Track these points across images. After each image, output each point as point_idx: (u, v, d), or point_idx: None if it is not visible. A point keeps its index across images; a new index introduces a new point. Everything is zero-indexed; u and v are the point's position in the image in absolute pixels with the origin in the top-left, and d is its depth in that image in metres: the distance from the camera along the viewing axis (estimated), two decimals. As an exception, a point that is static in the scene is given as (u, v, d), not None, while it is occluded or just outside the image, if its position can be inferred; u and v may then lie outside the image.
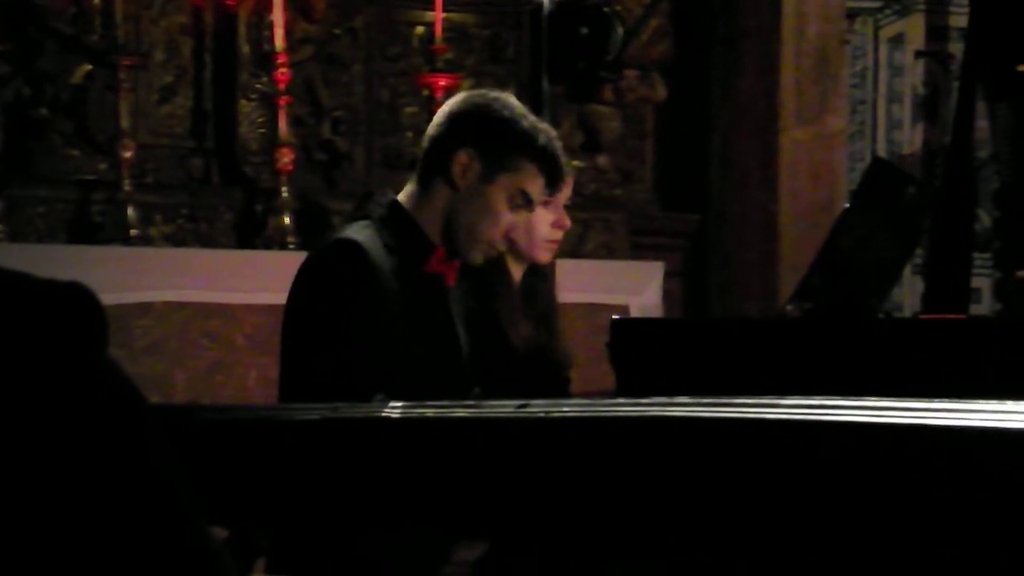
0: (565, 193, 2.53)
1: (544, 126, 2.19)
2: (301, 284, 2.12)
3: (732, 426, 1.42)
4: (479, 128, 2.14)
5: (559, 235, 2.53)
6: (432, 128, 2.19)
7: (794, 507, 1.42)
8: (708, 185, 4.64)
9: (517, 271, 2.53)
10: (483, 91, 2.22)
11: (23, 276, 0.92)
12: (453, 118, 2.16)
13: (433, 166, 2.16)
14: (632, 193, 4.60)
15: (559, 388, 2.52)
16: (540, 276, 2.56)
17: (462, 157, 2.13)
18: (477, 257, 2.19)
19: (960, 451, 1.32)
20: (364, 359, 2.03)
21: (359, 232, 2.11)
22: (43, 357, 0.89)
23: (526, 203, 2.17)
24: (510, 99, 2.19)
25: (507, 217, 2.16)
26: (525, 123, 2.16)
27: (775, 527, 1.43)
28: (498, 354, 2.41)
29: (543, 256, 2.52)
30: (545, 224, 2.49)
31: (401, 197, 2.18)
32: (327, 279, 2.08)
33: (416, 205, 2.16)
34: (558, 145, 2.19)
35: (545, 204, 2.48)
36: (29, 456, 0.89)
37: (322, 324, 2.05)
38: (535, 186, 2.16)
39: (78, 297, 0.92)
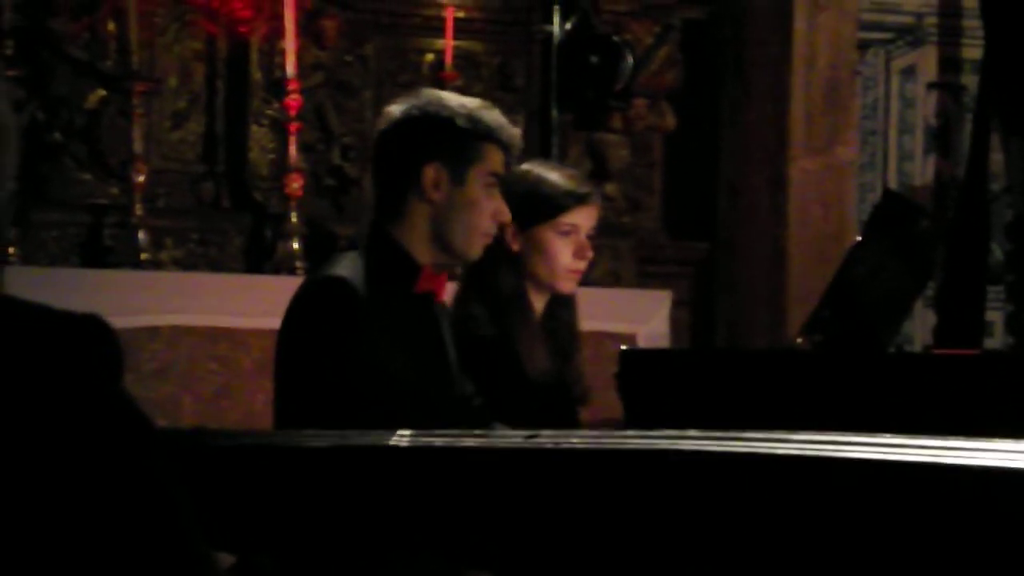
0: (589, 223, 2.52)
1: (479, 102, 2.19)
2: (290, 325, 2.11)
3: (743, 461, 1.42)
4: (433, 138, 2.14)
5: (582, 265, 2.51)
6: (383, 149, 2.18)
7: (804, 544, 1.41)
8: (716, 214, 4.64)
9: (539, 301, 2.51)
10: (411, 101, 2.18)
11: (43, 308, 0.92)
12: (401, 137, 2.16)
13: (402, 186, 2.16)
14: (640, 221, 4.60)
15: (570, 418, 2.51)
16: (563, 306, 2.55)
17: (429, 172, 2.14)
18: (478, 252, 2.20)
19: (975, 490, 1.31)
20: (356, 396, 2.03)
21: (346, 266, 2.11)
22: (60, 389, 0.90)
23: (498, 181, 2.19)
24: (439, 95, 2.19)
25: (489, 204, 2.17)
26: (464, 111, 2.15)
27: (785, 563, 1.42)
28: (513, 383, 2.40)
29: (565, 286, 2.50)
30: (567, 254, 2.48)
31: (381, 220, 2.18)
32: (314, 321, 2.07)
33: (397, 228, 2.16)
34: (496, 112, 2.18)
35: (567, 234, 2.48)
36: (41, 484, 0.89)
37: (314, 365, 2.05)
38: (498, 162, 2.18)
39: (96, 330, 0.92)
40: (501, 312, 2.43)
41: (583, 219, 2.50)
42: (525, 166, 2.59)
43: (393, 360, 2.08)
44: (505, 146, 2.18)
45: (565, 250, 2.47)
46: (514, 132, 2.20)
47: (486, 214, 2.17)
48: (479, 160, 2.15)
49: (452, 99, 2.18)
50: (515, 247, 2.47)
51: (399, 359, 2.10)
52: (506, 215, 2.20)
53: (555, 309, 2.54)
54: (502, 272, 2.44)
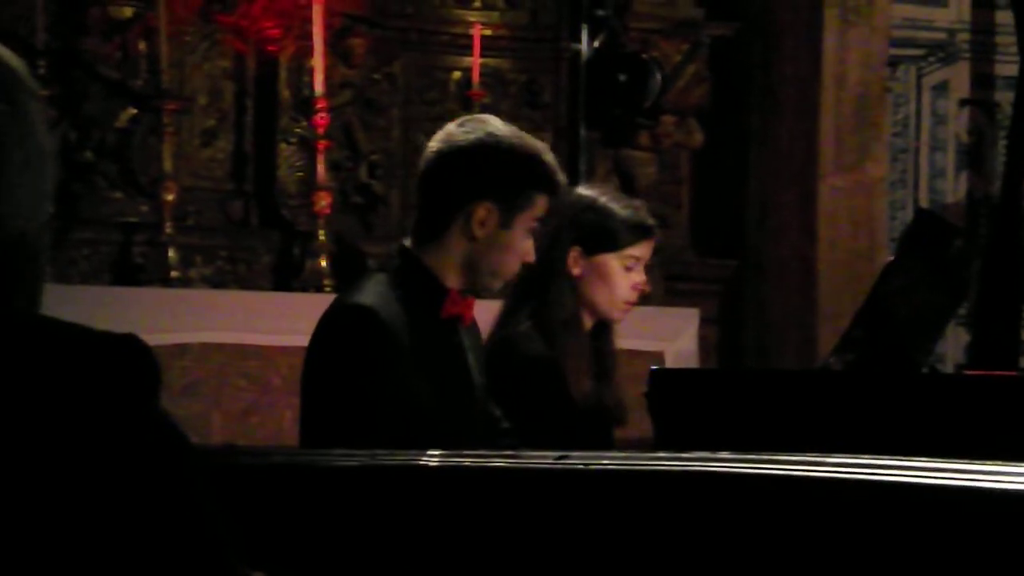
0: (647, 256, 2.53)
1: (539, 145, 2.17)
2: (317, 350, 2.11)
3: (776, 483, 1.41)
4: (494, 178, 2.12)
5: (635, 297, 2.52)
6: (438, 173, 2.14)
7: (836, 567, 1.39)
8: (745, 231, 4.62)
9: (588, 325, 2.53)
10: (472, 128, 2.14)
11: (81, 328, 0.93)
12: (463, 166, 2.13)
13: (449, 216, 2.13)
14: (667, 239, 4.58)
15: (606, 440, 2.51)
16: (605, 331, 2.55)
17: (480, 211, 2.12)
18: (497, 289, 2.21)
19: (1010, 514, 1.30)
20: (381, 422, 2.03)
21: (372, 291, 2.09)
22: (98, 408, 0.91)
23: (539, 225, 2.19)
24: (501, 128, 2.15)
25: (525, 246, 2.17)
26: (526, 156, 2.14)
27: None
28: (556, 403, 2.40)
29: (619, 316, 2.52)
30: (626, 285, 2.49)
31: (412, 242, 2.16)
32: (341, 350, 2.07)
33: (430, 251, 2.14)
34: (551, 157, 2.17)
35: (630, 268, 2.49)
36: (80, 502, 0.90)
37: (340, 391, 2.05)
38: (544, 208, 2.18)
39: (133, 351, 0.93)
40: (553, 333, 2.44)
41: (645, 252, 2.53)
42: (589, 191, 2.59)
43: (417, 385, 2.08)
44: (552, 193, 2.17)
45: (625, 281, 2.49)
46: (563, 179, 2.20)
47: (519, 256, 2.17)
48: (530, 207, 2.14)
49: (517, 140, 2.15)
50: (576, 271, 2.48)
51: (423, 383, 2.09)
52: (532, 256, 2.19)
53: (598, 334, 2.54)
54: (560, 294, 2.45)
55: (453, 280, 2.16)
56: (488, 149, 2.13)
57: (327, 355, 2.09)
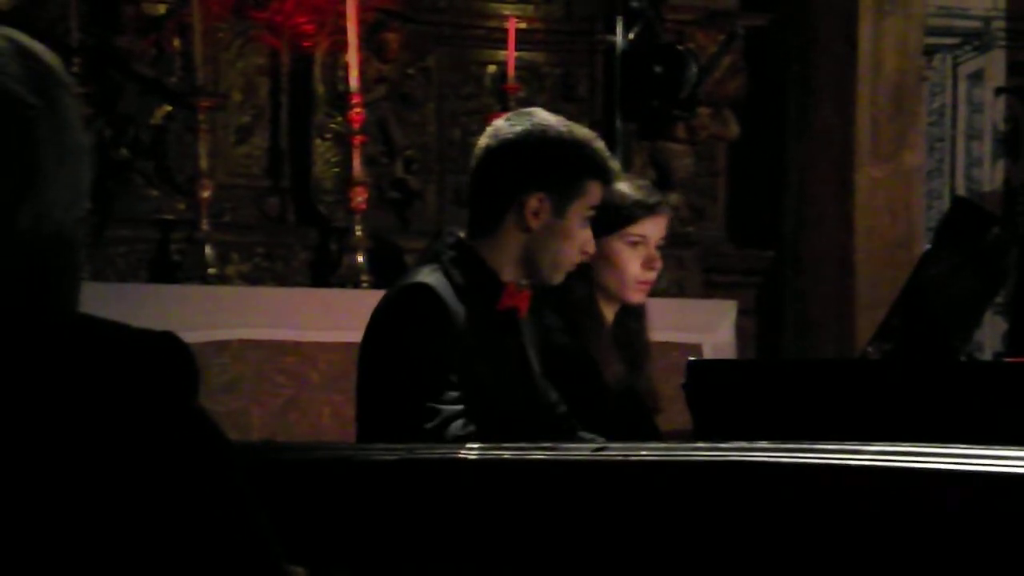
0: (658, 234, 2.52)
1: (589, 134, 2.18)
2: (378, 330, 2.12)
3: (815, 472, 1.40)
4: (544, 168, 2.13)
5: (651, 275, 2.50)
6: (488, 167, 2.16)
7: (878, 554, 1.39)
8: (782, 222, 4.60)
9: (609, 311, 2.52)
10: (520, 121, 2.16)
11: (120, 327, 0.94)
12: (508, 161, 2.14)
13: (502, 209, 2.15)
14: (704, 230, 4.58)
15: (646, 428, 2.50)
16: (632, 316, 2.54)
17: (532, 202, 2.13)
18: (559, 280, 2.21)
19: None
20: (447, 400, 2.04)
21: (429, 276, 2.11)
22: (138, 407, 0.91)
23: (594, 212, 2.19)
24: (547, 120, 2.16)
25: (583, 236, 2.18)
26: (576, 144, 2.14)
27: (860, 573, 1.40)
28: (592, 391, 2.40)
29: (635, 296, 2.50)
30: (636, 264, 2.48)
31: (467, 236, 2.18)
32: (404, 325, 2.08)
33: (485, 245, 2.16)
34: (601, 145, 2.18)
35: (636, 244, 2.48)
36: (122, 501, 0.91)
37: (404, 370, 2.05)
38: (598, 197, 2.18)
39: (172, 349, 0.94)
40: (573, 321, 2.43)
41: (652, 230, 2.50)
42: None
43: (479, 372, 2.09)
44: (606, 180, 2.18)
45: (634, 261, 2.47)
46: (616, 166, 2.20)
47: (577, 246, 2.17)
48: (582, 195, 2.15)
49: (564, 129, 2.16)
50: (585, 258, 2.47)
51: (484, 372, 2.10)
52: (592, 247, 2.20)
53: (625, 320, 2.54)
54: (573, 282, 2.44)
55: (509, 273, 2.17)
56: (536, 140, 2.14)
57: (394, 331, 2.09)
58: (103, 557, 0.89)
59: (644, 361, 2.54)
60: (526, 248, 2.15)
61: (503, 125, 2.17)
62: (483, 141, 2.18)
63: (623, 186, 2.50)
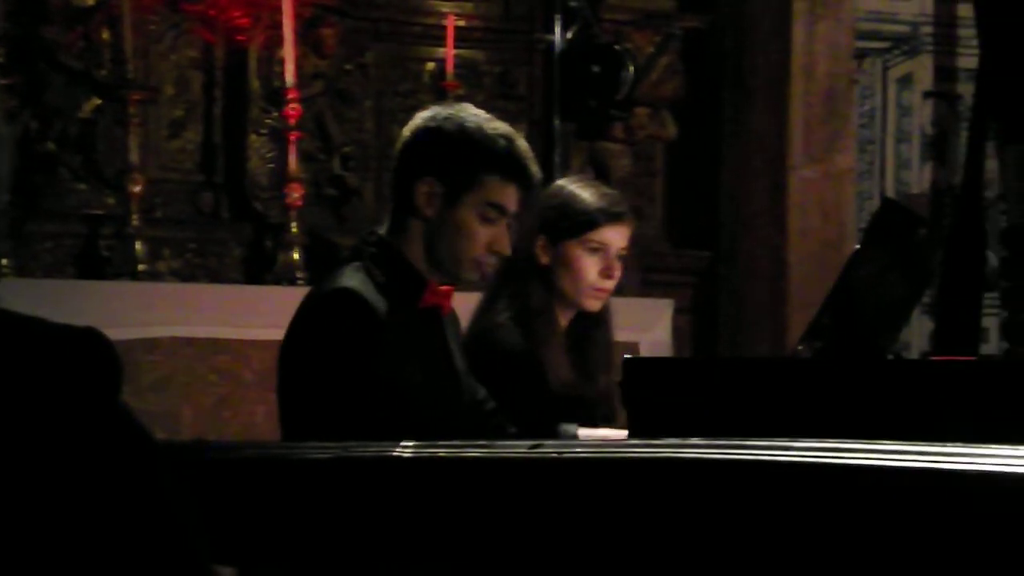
0: (619, 242, 2.50)
1: (503, 130, 2.14)
2: (300, 335, 2.10)
3: (746, 468, 1.42)
4: (433, 154, 2.12)
5: (609, 284, 2.47)
6: (397, 157, 2.18)
7: (806, 551, 1.41)
8: (718, 222, 4.64)
9: (564, 316, 2.50)
10: (436, 112, 2.15)
11: (40, 322, 0.92)
12: (407, 148, 2.15)
13: (400, 200, 2.14)
14: (642, 230, 4.59)
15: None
16: (592, 323, 2.51)
17: (422, 187, 2.12)
18: (470, 275, 2.18)
19: (973, 496, 1.31)
20: (373, 405, 2.03)
21: (353, 277, 2.09)
22: (58, 403, 0.90)
23: (500, 214, 2.14)
24: (464, 113, 2.14)
25: (482, 233, 2.13)
26: (478, 135, 2.11)
27: (786, 570, 1.42)
28: (535, 394, 2.39)
29: (590, 304, 2.48)
30: (594, 271, 2.46)
31: (386, 233, 2.17)
32: (327, 331, 2.06)
33: (402, 241, 2.15)
34: (522, 146, 2.14)
35: (596, 251, 2.46)
36: (40, 499, 0.89)
37: (328, 376, 2.03)
38: (504, 196, 2.13)
39: (94, 344, 0.92)
40: (527, 323, 2.42)
41: (614, 237, 2.48)
42: (561, 181, 2.59)
43: (403, 371, 2.08)
44: (515, 180, 2.13)
45: (592, 267, 2.45)
46: (532, 169, 2.14)
47: (478, 243, 2.13)
48: (477, 187, 2.12)
49: (474, 120, 2.13)
50: (544, 261, 2.46)
51: (409, 370, 2.09)
52: (505, 248, 2.16)
53: (587, 327, 2.52)
54: (531, 284, 2.44)
55: (426, 270, 2.16)
56: (433, 129, 2.13)
57: (311, 340, 2.07)
58: (21, 557, 0.88)
59: (600, 369, 2.51)
60: (426, 239, 2.13)
61: (417, 117, 2.17)
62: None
63: (587, 192, 2.49)
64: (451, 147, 2.12)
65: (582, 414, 2.46)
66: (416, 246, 2.14)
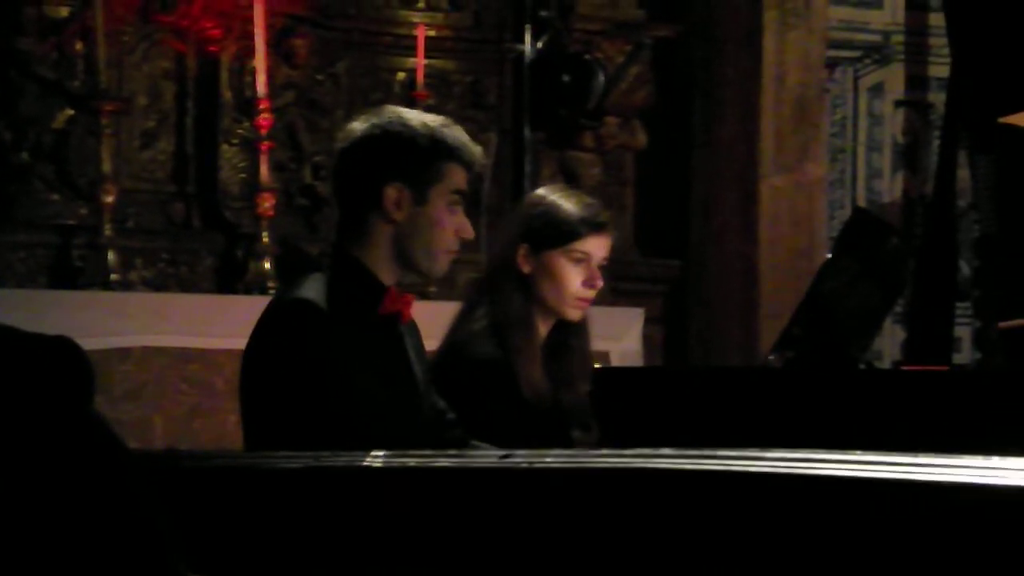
0: (601, 252, 2.51)
1: (441, 120, 2.18)
2: (258, 347, 2.10)
3: (716, 479, 1.42)
4: (395, 158, 2.13)
5: (591, 293, 2.49)
6: (344, 168, 2.17)
7: (777, 561, 1.41)
8: (688, 232, 4.66)
9: (544, 325, 2.50)
10: (370, 119, 2.17)
11: (11, 331, 0.92)
12: (365, 154, 2.15)
13: (363, 205, 2.15)
14: (613, 239, 4.61)
15: (563, 444, 2.49)
16: (572, 333, 2.52)
17: (391, 192, 2.13)
18: (442, 269, 2.20)
19: (944, 507, 1.32)
20: (326, 418, 2.02)
21: (311, 287, 2.10)
22: (32, 412, 0.89)
23: (461, 199, 2.18)
24: (397, 114, 2.17)
25: (452, 222, 2.16)
26: (426, 129, 2.15)
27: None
28: (508, 403, 2.39)
29: (572, 313, 2.49)
30: (577, 281, 2.47)
31: (343, 242, 2.17)
32: (283, 343, 2.07)
33: (359, 248, 2.15)
34: (458, 129, 2.18)
35: (579, 261, 2.48)
36: (14, 506, 0.89)
37: (283, 388, 2.04)
38: (462, 180, 2.18)
39: (66, 352, 0.92)
40: (506, 333, 2.43)
41: (596, 248, 2.50)
42: (543, 190, 2.60)
43: (361, 381, 2.08)
44: (467, 164, 2.17)
45: (575, 277, 2.47)
46: (476, 150, 2.19)
47: (449, 232, 2.16)
48: (441, 179, 2.15)
49: (413, 117, 2.17)
50: (526, 269, 2.47)
51: (366, 380, 2.09)
52: (470, 232, 2.19)
53: (566, 337, 2.52)
54: (511, 293, 2.44)
55: (388, 276, 2.16)
56: (383, 132, 2.14)
57: (269, 351, 2.08)
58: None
59: (578, 379, 2.51)
60: (396, 243, 2.14)
61: (355, 125, 2.18)
62: (338, 144, 2.19)
63: (570, 202, 2.51)
64: (408, 148, 2.13)
65: (556, 424, 2.46)
66: (380, 251, 2.14)
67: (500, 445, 2.20)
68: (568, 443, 2.50)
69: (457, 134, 2.17)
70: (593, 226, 2.50)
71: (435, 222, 2.14)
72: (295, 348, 2.05)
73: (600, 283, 2.51)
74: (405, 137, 2.13)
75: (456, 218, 2.16)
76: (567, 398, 2.49)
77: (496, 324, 2.44)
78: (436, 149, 2.14)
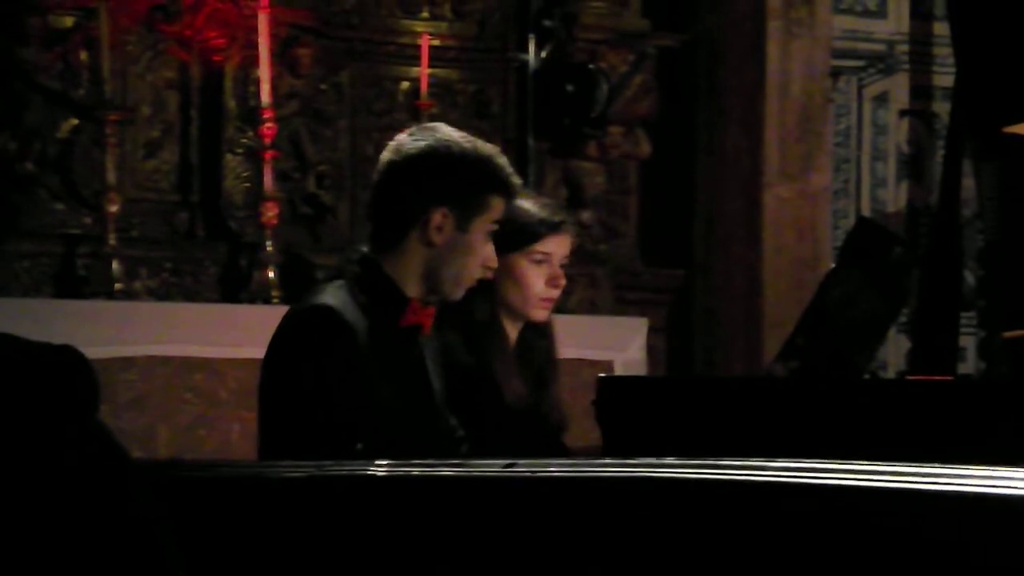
0: (562, 252, 2.53)
1: (491, 149, 2.18)
2: (278, 351, 2.10)
3: (720, 488, 1.42)
4: (448, 184, 2.13)
5: (555, 293, 2.51)
6: (391, 182, 2.16)
7: (782, 571, 1.41)
8: (692, 241, 4.66)
9: (513, 328, 2.51)
10: (422, 136, 2.16)
11: (17, 340, 0.92)
12: (417, 174, 2.14)
13: (406, 225, 2.14)
14: (616, 248, 4.61)
15: (552, 447, 2.51)
16: (538, 334, 2.54)
17: (436, 217, 2.13)
18: (461, 294, 2.20)
19: (950, 517, 1.32)
20: (345, 422, 2.02)
21: (333, 294, 2.10)
22: (36, 421, 0.89)
23: (496, 229, 2.19)
24: (450, 135, 2.16)
25: (485, 251, 2.18)
26: (480, 159, 2.14)
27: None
28: (492, 410, 2.40)
29: (537, 314, 2.50)
30: (540, 282, 2.48)
31: (371, 251, 2.17)
32: (305, 346, 2.07)
33: (389, 260, 2.15)
34: (504, 160, 2.18)
35: (540, 262, 2.48)
36: (18, 515, 0.89)
37: (303, 391, 2.04)
38: (501, 211, 2.19)
39: (71, 362, 0.92)
40: (475, 339, 2.43)
41: (556, 248, 2.51)
42: None
43: (379, 392, 2.08)
44: (510, 197, 2.19)
45: (538, 279, 2.48)
46: (517, 181, 2.20)
47: (479, 261, 2.17)
48: (486, 210, 2.15)
49: (468, 143, 2.16)
50: (487, 274, 2.47)
51: (385, 391, 2.09)
52: (494, 261, 2.20)
53: (532, 337, 2.54)
54: (476, 299, 2.44)
55: (413, 289, 2.16)
56: (439, 155, 2.13)
57: (291, 355, 2.08)
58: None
59: (549, 380, 2.54)
60: (429, 263, 2.15)
61: (406, 140, 2.16)
62: (386, 155, 2.17)
63: (528, 204, 2.51)
64: (461, 176, 2.13)
65: (537, 425, 2.47)
66: (411, 268, 2.15)
67: (486, 449, 2.21)
68: (556, 443, 2.51)
69: (505, 166, 2.17)
70: (551, 226, 2.51)
71: (471, 251, 2.15)
72: (316, 353, 2.05)
73: (563, 282, 2.52)
74: (460, 164, 2.13)
75: (488, 248, 2.17)
76: (544, 398, 2.51)
77: (465, 331, 2.44)
78: (487, 180, 2.14)
